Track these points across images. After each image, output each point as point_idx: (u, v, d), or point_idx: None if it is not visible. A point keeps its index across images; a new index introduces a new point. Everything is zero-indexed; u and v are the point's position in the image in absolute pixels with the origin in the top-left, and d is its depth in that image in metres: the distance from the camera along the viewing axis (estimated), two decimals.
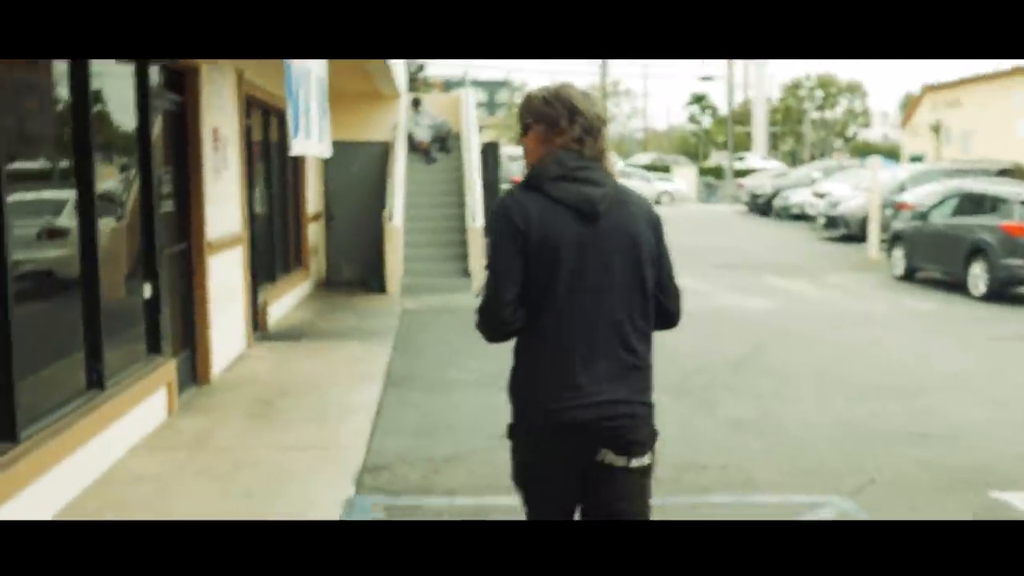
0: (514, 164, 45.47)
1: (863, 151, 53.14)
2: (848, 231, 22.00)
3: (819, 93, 60.31)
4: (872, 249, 19.09)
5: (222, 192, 8.60)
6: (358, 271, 15.29)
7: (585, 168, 2.82)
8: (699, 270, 17.70)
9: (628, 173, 47.90)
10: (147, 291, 6.74)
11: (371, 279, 14.57)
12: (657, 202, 43.09)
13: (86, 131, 5.60)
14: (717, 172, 50.08)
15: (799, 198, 27.32)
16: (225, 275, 8.70)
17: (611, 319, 2.82)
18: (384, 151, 15.49)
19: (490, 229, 2.89)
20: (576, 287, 2.78)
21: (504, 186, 22.97)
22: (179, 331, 7.78)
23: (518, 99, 53.94)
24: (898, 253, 16.57)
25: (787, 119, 61.86)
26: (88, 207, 5.66)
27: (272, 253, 11.82)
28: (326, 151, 8.19)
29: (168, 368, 6.80)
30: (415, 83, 16.46)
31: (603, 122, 2.93)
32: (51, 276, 5.67)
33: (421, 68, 50.42)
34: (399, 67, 13.74)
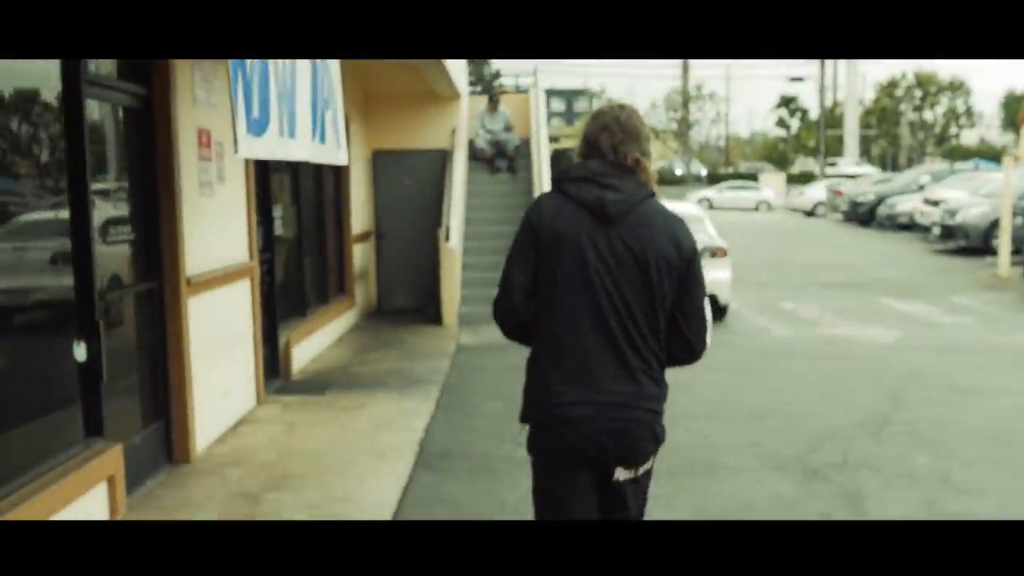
0: None
1: (958, 155, 49.92)
2: (968, 242, 19.53)
3: (917, 92, 56.71)
4: (1003, 264, 16.59)
5: (215, 213, 6.81)
6: (412, 298, 13.44)
7: (610, 175, 2.88)
8: (801, 291, 15.49)
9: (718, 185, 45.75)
10: (80, 353, 4.95)
11: (426, 307, 12.72)
12: (755, 210, 40.89)
13: None
14: (807, 179, 47.35)
15: (907, 206, 24.78)
16: (220, 318, 6.90)
17: (617, 321, 2.84)
18: (442, 160, 13.63)
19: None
20: (582, 283, 2.83)
21: None
22: (147, 396, 5.99)
23: (596, 105, 52.15)
24: None
25: (882, 121, 58.45)
26: None
27: (302, 283, 10.03)
28: (341, 158, 6.35)
29: (110, 457, 4.99)
30: (491, 90, 14.61)
31: (638, 137, 2.95)
32: None
33: (497, 75, 48.83)
34: (453, 62, 11.87)
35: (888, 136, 58.82)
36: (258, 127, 4.60)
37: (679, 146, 57.78)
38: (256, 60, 4.56)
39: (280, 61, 4.96)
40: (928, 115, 57.82)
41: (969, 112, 57.53)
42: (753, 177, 48.37)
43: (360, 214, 13.02)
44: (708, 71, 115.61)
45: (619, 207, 2.83)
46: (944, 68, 59.02)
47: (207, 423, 6.51)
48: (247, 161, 7.55)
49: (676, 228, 2.92)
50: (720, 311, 12.54)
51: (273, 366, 8.72)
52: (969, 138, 60.03)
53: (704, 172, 56.43)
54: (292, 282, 9.80)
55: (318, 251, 10.99)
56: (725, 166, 65.42)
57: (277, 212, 9.10)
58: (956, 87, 56.43)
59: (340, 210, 12.07)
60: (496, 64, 51.13)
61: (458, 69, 12.72)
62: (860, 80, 58.87)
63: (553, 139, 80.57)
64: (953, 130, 57.73)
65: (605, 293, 2.82)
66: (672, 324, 2.94)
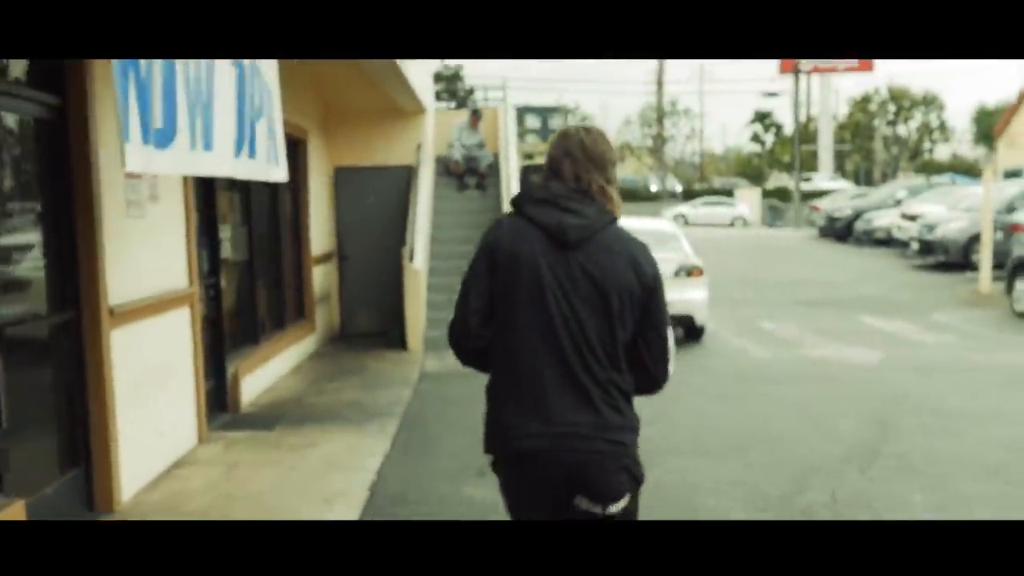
0: None
1: (931, 170, 49.88)
2: (947, 258, 19.18)
3: (891, 107, 56.65)
4: (984, 280, 16.19)
5: (145, 235, 6.22)
6: (377, 321, 12.85)
7: (572, 199, 2.78)
8: (780, 309, 15.03)
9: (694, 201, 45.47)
10: None
11: (391, 331, 12.14)
12: (731, 226, 40.56)
13: None
14: (782, 194, 47.14)
15: (885, 221, 24.44)
16: (151, 350, 6.31)
17: (575, 349, 2.72)
18: (408, 177, 13.08)
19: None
20: (539, 309, 2.72)
21: None
22: (63, 441, 5.39)
23: (571, 122, 51.66)
24: (1022, 286, 13.75)
25: (856, 136, 58.38)
26: None
27: (254, 309, 9.43)
28: (276, 175, 5.79)
29: (7, 515, 4.37)
30: (475, 105, 14.13)
31: (603, 163, 2.85)
32: None
33: (471, 91, 48.27)
34: (416, 74, 11.34)
35: (862, 151, 58.77)
36: (161, 138, 4.02)
37: (654, 162, 57.49)
38: (158, 61, 3.98)
39: (192, 63, 4.38)
40: (902, 130, 57.80)
41: (943, 127, 57.52)
42: (728, 193, 48.04)
43: (321, 234, 12.44)
44: (682, 87, 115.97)
45: (580, 232, 2.74)
46: (917, 83, 59.12)
47: (136, 467, 5.90)
48: (186, 178, 6.98)
49: (638, 255, 2.81)
50: (696, 332, 12.04)
51: (220, 399, 8.13)
52: (942, 153, 60.09)
53: (679, 188, 56.11)
54: (243, 308, 9.21)
55: (273, 274, 10.41)
56: (700, 182, 65.22)
57: (225, 233, 8.52)
58: (929, 101, 56.42)
59: (299, 230, 11.50)
60: (468, 79, 50.72)
61: (422, 82, 12.20)
62: (834, 95, 58.70)
63: (528, 156, 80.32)
64: (927, 145, 57.70)
65: (562, 319, 2.71)
66: (633, 353, 2.82)
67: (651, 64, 58.38)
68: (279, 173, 5.83)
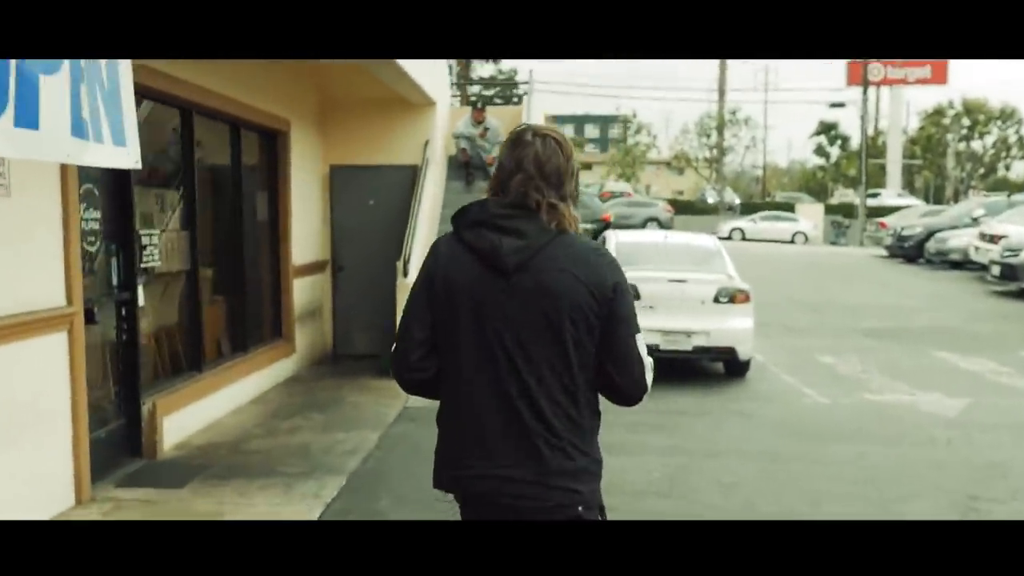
0: (612, 201, 41.32)
1: (1004, 188, 47.13)
2: None
3: (965, 121, 53.68)
4: None
5: None
6: (374, 341, 11.19)
7: (511, 217, 2.53)
8: (841, 340, 13.11)
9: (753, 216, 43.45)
10: None
11: (383, 356, 10.51)
12: (791, 242, 38.42)
13: None
14: (846, 210, 44.78)
15: (961, 241, 22.24)
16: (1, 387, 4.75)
17: (519, 385, 2.51)
18: (414, 177, 11.47)
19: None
20: (479, 344, 2.52)
21: (586, 226, 18.88)
22: None
23: (632, 132, 49.67)
24: None
25: (927, 151, 55.51)
26: None
27: (197, 329, 7.83)
28: (123, 160, 4.20)
29: None
30: (476, 100, 12.63)
31: (559, 178, 2.58)
32: None
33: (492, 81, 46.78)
34: (418, 64, 9.72)
35: (933, 167, 55.89)
36: None
37: (712, 174, 55.34)
38: None
39: None
40: (977, 145, 54.78)
41: (1021, 142, 54.36)
42: (789, 207, 45.80)
43: (310, 241, 10.88)
44: (744, 96, 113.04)
45: (518, 255, 2.49)
46: (993, 95, 56.14)
47: None
48: (65, 168, 5.41)
49: (592, 265, 2.53)
50: (740, 368, 10.24)
51: (133, 442, 6.56)
52: (1020, 169, 56.96)
53: (738, 201, 53.90)
54: (179, 329, 7.65)
55: (233, 287, 8.82)
56: (762, 196, 62.92)
57: (153, 238, 6.96)
58: (1007, 115, 53.37)
59: (276, 236, 9.93)
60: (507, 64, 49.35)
61: (427, 73, 10.56)
62: (904, 107, 55.94)
63: (586, 166, 78.42)
64: (1006, 160, 54.56)
65: (506, 356, 2.49)
66: (601, 372, 2.57)
67: (714, 71, 56.29)
68: (125, 159, 4.24)
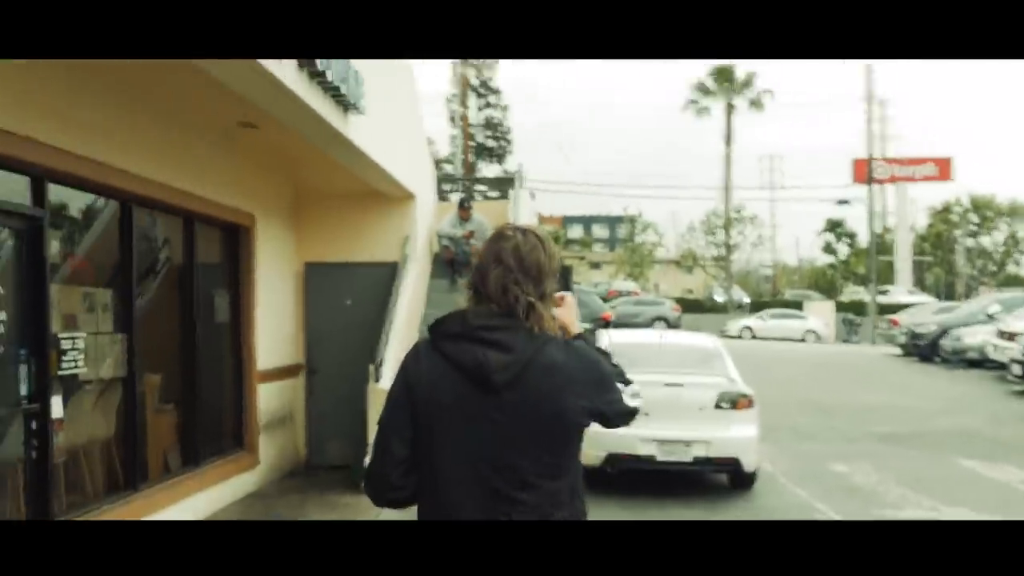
0: (619, 300, 40.58)
1: (1015, 284, 46.38)
2: None
3: (973, 217, 53.19)
4: None
5: None
6: (350, 450, 10.31)
7: (494, 328, 2.40)
8: (855, 446, 12.23)
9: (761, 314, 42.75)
10: None
11: (354, 467, 9.64)
12: (801, 340, 37.56)
13: None
14: (857, 307, 44.00)
15: (977, 338, 21.38)
16: None
17: (507, 502, 2.38)
18: (393, 275, 10.79)
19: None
20: (465, 461, 2.38)
21: (585, 326, 18.10)
22: None
23: (639, 230, 49.18)
24: None
25: (936, 247, 54.90)
26: None
27: (133, 443, 6.99)
28: None
29: None
30: (463, 198, 12.05)
31: (539, 274, 2.47)
32: None
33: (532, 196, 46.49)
34: (389, 155, 9.10)
35: (943, 263, 55.23)
36: None
37: (719, 272, 54.78)
38: None
39: None
40: (986, 240, 54.16)
41: None
42: (798, 305, 45.05)
43: (280, 343, 10.14)
44: (750, 194, 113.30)
45: (508, 371, 2.36)
46: (1000, 191, 55.78)
47: None
48: None
49: (579, 364, 2.44)
50: (744, 480, 9.34)
51: None
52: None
53: (746, 299, 53.20)
54: (112, 443, 6.84)
55: (185, 394, 8.04)
56: (772, 294, 62.29)
57: (77, 342, 6.21)
58: (1015, 211, 52.88)
59: (238, 338, 9.19)
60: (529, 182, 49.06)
61: (401, 162, 9.96)
62: (910, 204, 55.60)
63: (594, 265, 77.80)
64: (1016, 256, 53.83)
65: (492, 472, 2.37)
66: None
67: (719, 170, 56.18)
68: None
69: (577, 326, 2.67)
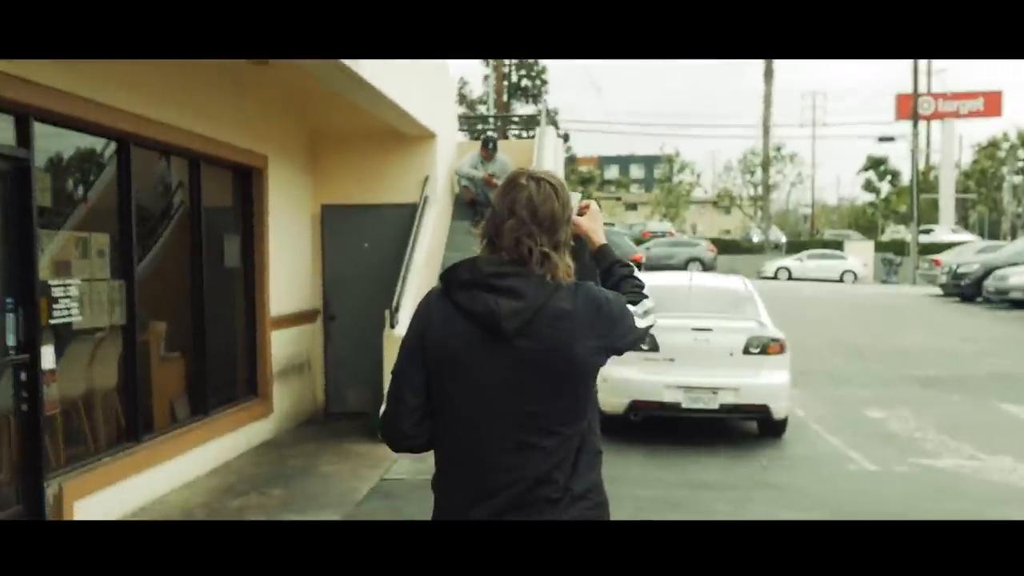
0: (653, 241, 39.98)
1: None
2: None
3: (1021, 153, 51.63)
4: None
5: None
6: (369, 397, 10.10)
7: (505, 275, 2.38)
8: (893, 390, 11.81)
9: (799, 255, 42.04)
10: None
11: (372, 416, 9.43)
12: (840, 281, 36.90)
13: None
14: (897, 247, 43.08)
15: (1021, 278, 20.74)
16: None
17: (522, 451, 2.37)
18: (413, 217, 10.45)
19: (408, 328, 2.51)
20: (480, 411, 2.38)
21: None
22: None
23: (676, 170, 48.37)
24: None
25: (981, 185, 53.50)
26: None
27: (133, 393, 6.78)
28: None
29: None
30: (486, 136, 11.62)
31: (553, 224, 2.42)
32: None
33: (567, 140, 45.57)
34: (404, 90, 8.70)
35: (988, 201, 53.83)
36: None
37: (756, 212, 53.85)
38: None
39: None
40: None
41: None
42: (838, 245, 44.16)
43: (296, 288, 9.87)
44: (790, 131, 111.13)
45: (519, 319, 2.34)
46: None
47: None
48: None
49: (592, 307, 2.40)
50: (775, 427, 9.00)
51: None
52: None
53: (784, 239, 52.28)
54: (111, 393, 6.62)
55: (193, 342, 7.80)
56: (811, 234, 61.26)
57: (69, 290, 5.96)
58: None
59: (251, 284, 8.93)
60: (564, 124, 48.27)
61: (418, 99, 9.55)
62: (956, 140, 54.04)
63: (631, 206, 76.80)
64: None
65: (507, 420, 2.36)
66: None
67: (759, 108, 54.79)
68: None
69: (601, 235, 2.67)
